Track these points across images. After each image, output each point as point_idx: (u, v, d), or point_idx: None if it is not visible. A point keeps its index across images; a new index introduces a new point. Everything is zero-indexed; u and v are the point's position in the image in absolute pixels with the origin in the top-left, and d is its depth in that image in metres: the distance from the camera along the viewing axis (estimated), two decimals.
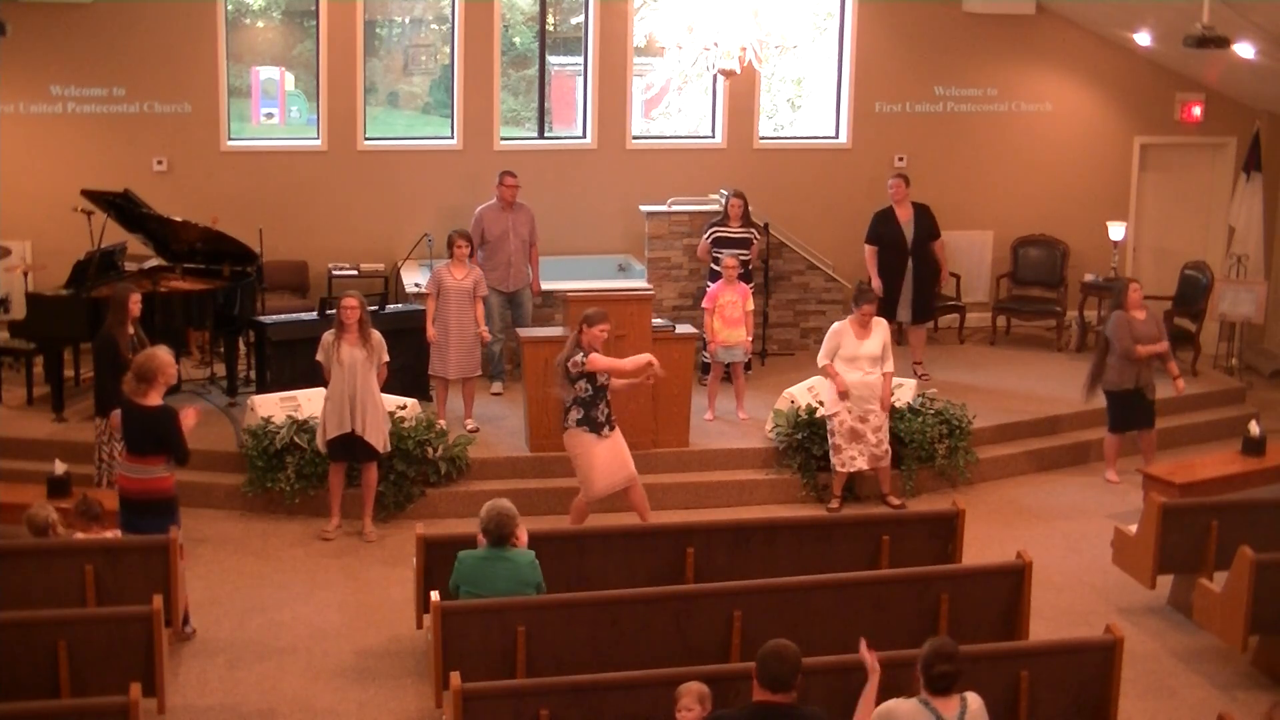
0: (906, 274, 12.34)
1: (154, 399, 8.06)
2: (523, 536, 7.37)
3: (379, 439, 9.58)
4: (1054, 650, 6.85)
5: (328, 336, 9.52)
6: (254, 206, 12.71)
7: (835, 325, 10.30)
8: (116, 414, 9.20)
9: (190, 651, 8.04)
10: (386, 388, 10.02)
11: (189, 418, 8.22)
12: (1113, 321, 10.80)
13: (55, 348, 11.01)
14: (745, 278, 11.79)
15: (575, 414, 9.02)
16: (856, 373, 10.08)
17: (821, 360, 10.22)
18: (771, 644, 5.66)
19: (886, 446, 10.23)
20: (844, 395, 10.07)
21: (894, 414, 10.45)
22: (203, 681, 7.74)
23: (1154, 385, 10.82)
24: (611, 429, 9.13)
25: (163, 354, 8.18)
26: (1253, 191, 13.94)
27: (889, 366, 10.18)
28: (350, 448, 9.57)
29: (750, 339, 11.44)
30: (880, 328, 10.18)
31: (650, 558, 7.92)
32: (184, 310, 11.21)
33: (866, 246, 12.49)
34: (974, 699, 5.88)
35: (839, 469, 10.19)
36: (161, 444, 8.02)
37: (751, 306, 11.37)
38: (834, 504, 10.26)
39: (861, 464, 10.18)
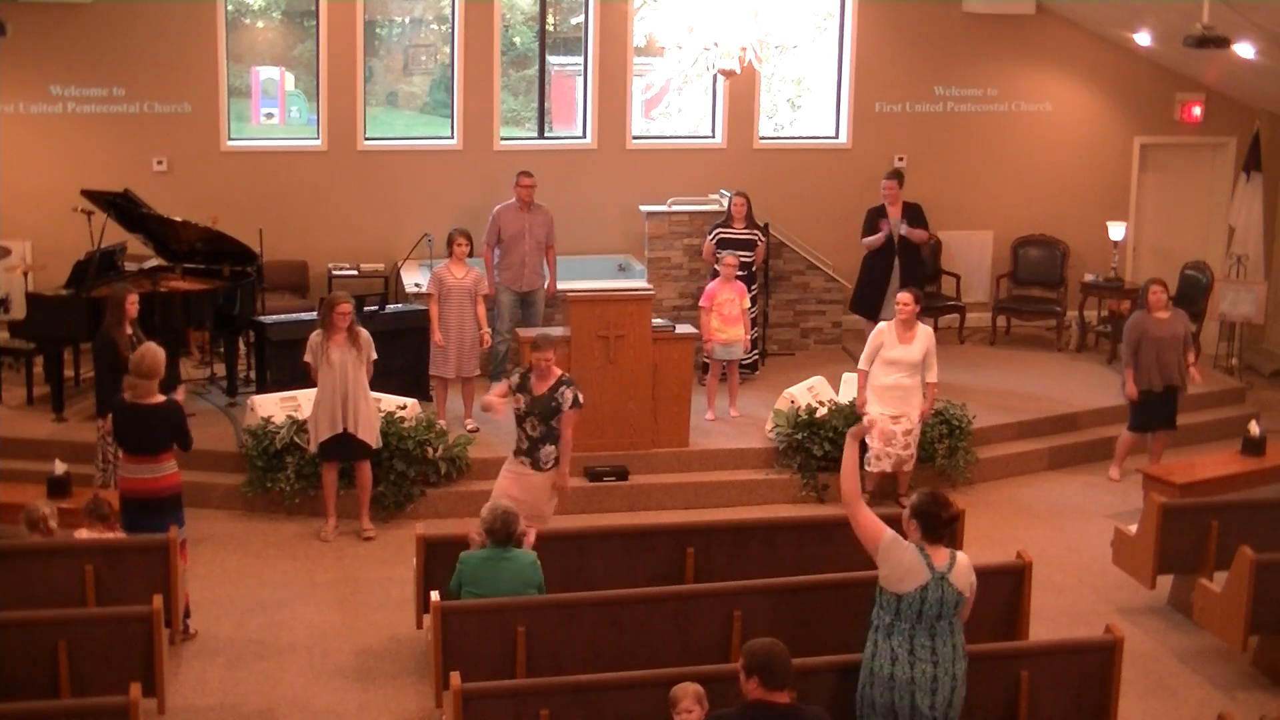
0: (893, 273, 12.34)
1: (156, 396, 8.09)
2: (530, 538, 7.38)
3: (371, 436, 9.59)
4: (1054, 650, 6.85)
5: (315, 338, 9.51)
6: (254, 206, 12.71)
7: (879, 325, 10.21)
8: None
9: (190, 651, 8.04)
10: (386, 388, 10.02)
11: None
12: (1129, 321, 10.89)
13: (55, 348, 11.01)
14: (749, 279, 11.80)
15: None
16: (894, 376, 9.98)
17: (860, 364, 10.15)
18: (764, 643, 5.64)
19: (913, 451, 10.21)
20: (861, 410, 10.05)
21: None
22: (203, 681, 7.74)
23: (1193, 378, 10.83)
24: (524, 461, 8.46)
25: (155, 348, 8.23)
26: (1253, 191, 13.95)
27: (932, 376, 10.05)
28: (344, 447, 9.57)
29: (749, 337, 11.45)
30: (924, 336, 10.04)
31: (650, 558, 7.92)
32: (184, 310, 11.20)
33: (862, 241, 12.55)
34: (962, 555, 6.14)
35: (865, 468, 10.12)
36: (170, 439, 8.04)
37: (749, 305, 11.37)
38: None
39: (886, 466, 10.15)
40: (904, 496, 10.33)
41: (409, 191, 13.32)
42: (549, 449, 8.43)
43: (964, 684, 6.13)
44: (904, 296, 10.05)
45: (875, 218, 12.46)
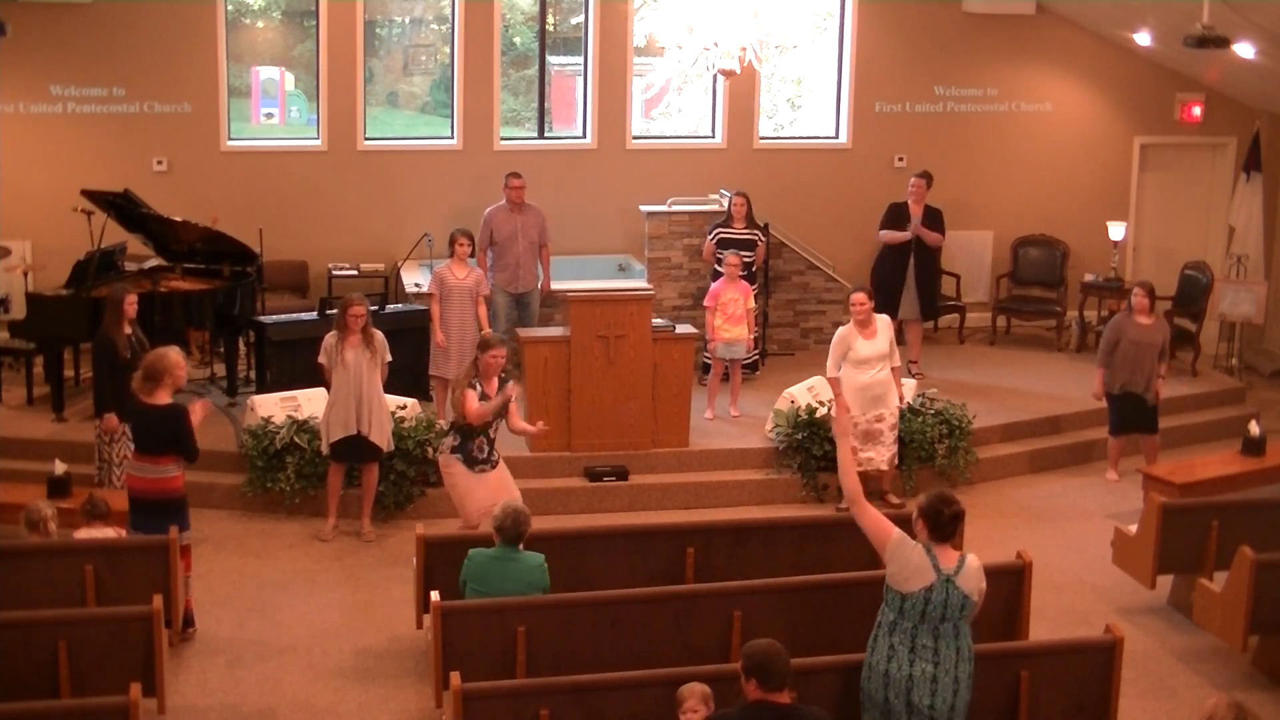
0: (909, 271, 12.37)
1: (163, 398, 8.06)
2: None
3: (383, 438, 9.61)
4: (1054, 650, 6.85)
5: (330, 339, 9.51)
6: (254, 206, 12.71)
7: (840, 331, 10.18)
8: (110, 417, 9.29)
9: (190, 651, 8.04)
10: (386, 387, 10.02)
11: (197, 412, 8.24)
12: (1110, 321, 10.87)
13: (55, 348, 11.01)
14: (749, 279, 11.81)
15: (451, 441, 8.72)
16: (868, 372, 9.98)
17: (830, 372, 10.10)
18: (761, 644, 5.64)
19: (895, 449, 10.22)
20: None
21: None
22: (203, 681, 7.74)
23: (1156, 391, 10.80)
24: (483, 468, 8.67)
25: (174, 355, 8.17)
26: (1253, 191, 13.95)
27: (896, 361, 10.12)
28: (355, 448, 9.58)
29: (752, 336, 11.48)
30: (884, 325, 10.11)
31: (650, 558, 7.92)
32: (184, 310, 11.20)
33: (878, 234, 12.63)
34: (973, 558, 6.16)
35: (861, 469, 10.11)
36: (171, 443, 8.02)
37: (753, 304, 11.40)
38: (844, 504, 10.22)
39: (881, 464, 10.14)
40: (889, 494, 10.32)
41: (409, 191, 13.33)
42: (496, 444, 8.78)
43: (969, 687, 6.12)
44: (858, 296, 10.06)
45: (897, 213, 12.47)
